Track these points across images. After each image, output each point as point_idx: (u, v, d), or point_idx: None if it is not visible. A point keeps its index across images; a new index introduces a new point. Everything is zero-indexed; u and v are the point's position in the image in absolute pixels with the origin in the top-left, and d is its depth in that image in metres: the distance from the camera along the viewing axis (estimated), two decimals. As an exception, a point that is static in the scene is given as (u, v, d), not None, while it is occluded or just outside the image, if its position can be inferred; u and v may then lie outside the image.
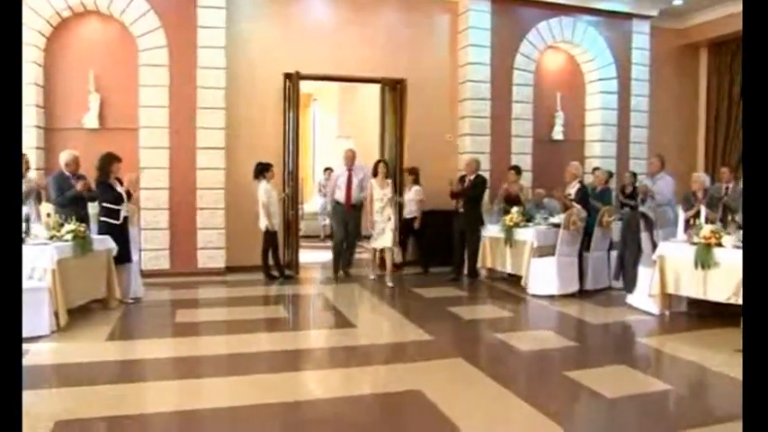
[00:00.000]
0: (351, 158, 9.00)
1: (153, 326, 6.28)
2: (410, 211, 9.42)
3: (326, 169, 9.90)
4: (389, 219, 8.36)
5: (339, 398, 4.28)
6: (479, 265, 8.78)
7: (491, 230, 8.60)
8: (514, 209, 8.22)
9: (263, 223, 8.59)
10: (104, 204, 6.84)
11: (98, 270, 6.51)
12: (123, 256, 6.89)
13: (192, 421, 3.80)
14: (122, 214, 6.93)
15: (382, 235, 8.41)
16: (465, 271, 8.93)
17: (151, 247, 8.71)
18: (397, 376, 4.75)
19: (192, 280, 8.53)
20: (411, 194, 9.40)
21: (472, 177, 8.82)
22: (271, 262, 8.78)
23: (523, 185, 9.67)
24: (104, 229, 6.80)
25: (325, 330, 6.39)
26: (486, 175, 9.82)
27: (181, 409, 3.97)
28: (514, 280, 8.15)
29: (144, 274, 7.80)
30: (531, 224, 8.14)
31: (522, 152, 10.43)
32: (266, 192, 8.55)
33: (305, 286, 8.57)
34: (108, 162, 6.87)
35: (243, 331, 5.92)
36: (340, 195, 8.90)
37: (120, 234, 6.88)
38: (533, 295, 7.51)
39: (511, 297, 7.65)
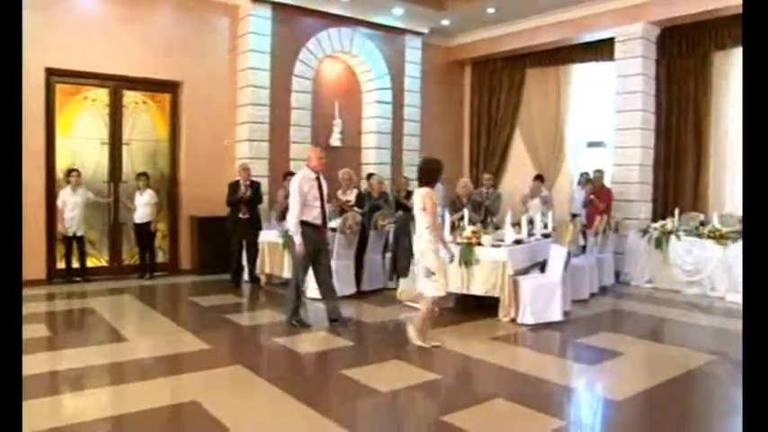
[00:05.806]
0: (320, 159, 6.43)
1: None
2: (143, 215, 9.07)
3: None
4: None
5: (111, 417, 3.97)
6: (258, 270, 8.75)
7: (269, 236, 8.59)
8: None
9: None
10: None
11: None
12: None
13: None
14: None
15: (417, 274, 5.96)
16: (246, 277, 8.84)
17: None
18: (174, 389, 4.54)
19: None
20: (145, 198, 9.08)
21: (248, 183, 8.76)
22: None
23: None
24: None
25: (93, 347, 5.70)
26: (265, 180, 9.81)
27: None
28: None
29: None
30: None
31: (300, 158, 10.38)
32: (61, 196, 8.65)
33: (75, 300, 7.81)
34: None
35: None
36: (313, 215, 6.27)
37: None
38: (311, 298, 7.51)
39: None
